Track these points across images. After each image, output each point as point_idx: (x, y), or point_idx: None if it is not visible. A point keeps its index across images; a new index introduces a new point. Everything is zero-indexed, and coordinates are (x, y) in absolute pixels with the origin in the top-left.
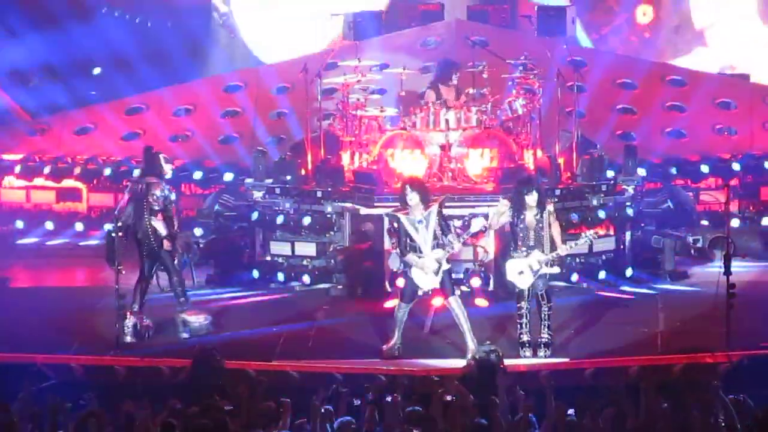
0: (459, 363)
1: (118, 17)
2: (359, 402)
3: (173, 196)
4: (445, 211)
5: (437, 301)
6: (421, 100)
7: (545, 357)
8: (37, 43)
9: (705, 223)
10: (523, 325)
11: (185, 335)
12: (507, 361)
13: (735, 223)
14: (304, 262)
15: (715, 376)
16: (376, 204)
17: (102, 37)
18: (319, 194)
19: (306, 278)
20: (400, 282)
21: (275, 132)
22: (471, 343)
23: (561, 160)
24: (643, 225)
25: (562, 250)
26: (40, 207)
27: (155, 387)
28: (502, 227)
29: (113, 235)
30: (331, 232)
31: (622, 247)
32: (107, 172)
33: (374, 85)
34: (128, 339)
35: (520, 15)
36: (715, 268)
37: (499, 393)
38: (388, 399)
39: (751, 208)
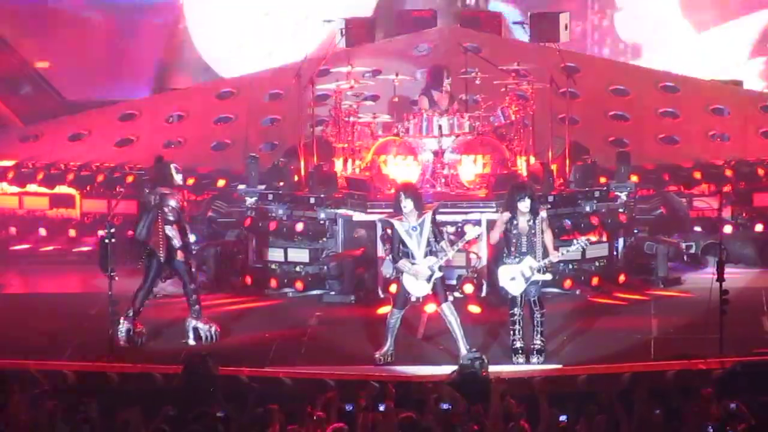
0: (451, 369)
1: None
2: (351, 408)
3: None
4: (438, 218)
5: (430, 308)
6: (414, 106)
7: (538, 363)
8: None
9: (698, 229)
10: (516, 332)
11: (192, 342)
12: (500, 368)
13: (728, 229)
14: (297, 269)
15: (708, 383)
16: (369, 210)
17: None
18: (312, 200)
19: (299, 284)
20: (393, 288)
21: (268, 138)
22: (464, 350)
23: (554, 167)
24: (636, 231)
25: (554, 256)
26: (34, 213)
27: (148, 393)
28: None
29: (106, 241)
30: (324, 239)
31: (615, 253)
32: (100, 178)
33: (367, 91)
34: (121, 343)
35: (512, 22)
36: (708, 274)
37: (492, 400)
38: (381, 408)
39: (744, 214)
